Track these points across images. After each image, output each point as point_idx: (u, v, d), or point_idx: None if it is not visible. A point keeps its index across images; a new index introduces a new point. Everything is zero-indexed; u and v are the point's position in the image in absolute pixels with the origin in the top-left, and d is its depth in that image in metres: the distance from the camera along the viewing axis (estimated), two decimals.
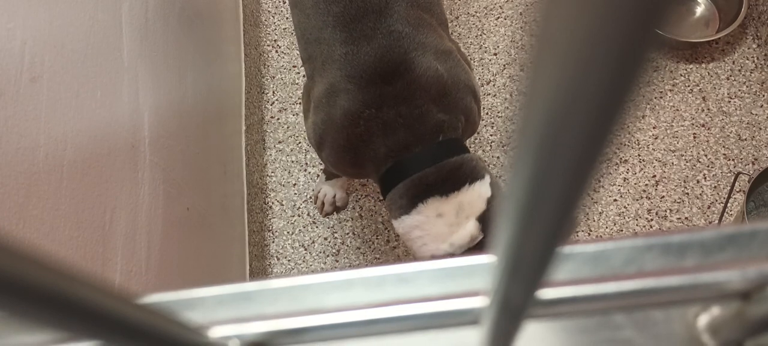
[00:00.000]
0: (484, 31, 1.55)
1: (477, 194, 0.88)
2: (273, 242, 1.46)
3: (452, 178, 0.88)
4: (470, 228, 0.87)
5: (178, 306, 0.27)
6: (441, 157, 0.89)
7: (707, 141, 1.42)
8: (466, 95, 0.96)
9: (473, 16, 1.57)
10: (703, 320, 0.25)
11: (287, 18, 1.63)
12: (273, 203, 1.48)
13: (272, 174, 1.51)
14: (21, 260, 0.13)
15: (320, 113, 0.96)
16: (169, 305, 0.27)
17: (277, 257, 1.44)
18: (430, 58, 0.92)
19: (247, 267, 1.35)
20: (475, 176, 0.89)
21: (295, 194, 1.48)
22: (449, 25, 1.55)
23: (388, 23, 0.92)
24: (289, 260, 1.44)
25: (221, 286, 0.28)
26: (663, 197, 1.39)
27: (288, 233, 1.45)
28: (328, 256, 1.42)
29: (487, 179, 0.91)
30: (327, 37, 0.95)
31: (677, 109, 1.45)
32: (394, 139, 0.90)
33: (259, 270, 1.40)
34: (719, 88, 1.46)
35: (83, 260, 0.78)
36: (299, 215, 1.46)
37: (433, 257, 0.88)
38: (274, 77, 1.58)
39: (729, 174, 1.39)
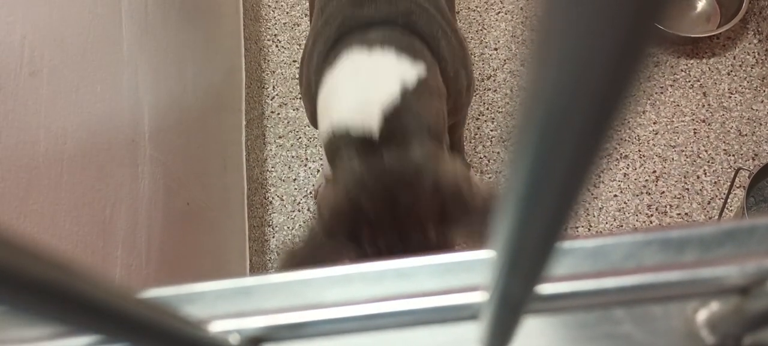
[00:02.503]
0: (485, 26, 1.55)
1: (398, 69, 0.80)
2: (273, 236, 1.46)
3: (387, 41, 0.82)
4: (379, 95, 0.79)
5: (178, 301, 0.27)
6: (397, 24, 0.83)
7: (708, 136, 1.42)
8: (467, 67, 0.92)
9: (474, 10, 1.57)
10: (702, 315, 0.26)
11: (288, 13, 1.62)
12: (273, 198, 1.48)
13: (272, 169, 1.51)
14: (21, 254, 0.13)
15: (309, 39, 0.92)
16: (170, 300, 0.27)
17: (277, 252, 1.44)
18: (438, 18, 0.87)
19: (248, 262, 1.35)
20: (409, 53, 0.81)
21: (296, 189, 1.48)
22: None
23: None
24: None
25: (221, 281, 0.28)
26: (663, 192, 1.39)
27: (288, 228, 1.45)
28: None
29: (421, 67, 0.82)
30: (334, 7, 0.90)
31: (678, 105, 1.45)
32: (360, 11, 0.84)
33: (260, 265, 1.40)
34: (720, 84, 1.46)
35: (84, 254, 0.78)
36: (299, 210, 1.46)
37: (339, 143, 0.81)
38: (274, 72, 1.58)
39: (729, 170, 1.39)
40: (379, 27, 0.83)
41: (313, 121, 0.93)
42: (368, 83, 0.80)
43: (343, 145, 0.80)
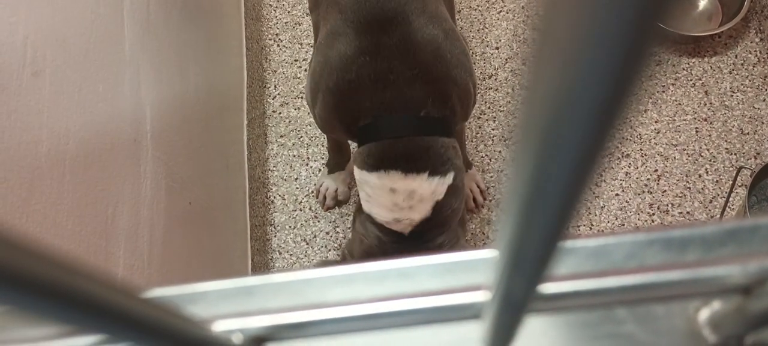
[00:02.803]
0: (486, 25, 1.55)
1: (430, 190, 0.91)
2: (275, 236, 1.46)
3: (418, 159, 0.91)
4: (413, 215, 0.92)
5: (181, 300, 0.27)
6: (417, 131, 0.91)
7: (709, 135, 1.42)
8: (462, 73, 0.95)
9: (475, 9, 1.57)
10: (704, 314, 0.26)
11: (289, 12, 1.63)
12: (275, 197, 1.49)
13: (274, 168, 1.51)
14: (25, 253, 0.13)
15: (318, 56, 0.97)
16: (173, 300, 0.27)
17: (279, 251, 1.45)
18: (427, 21, 0.93)
19: (249, 261, 1.35)
20: (437, 169, 0.92)
21: (297, 188, 1.48)
22: None
23: None
24: (291, 255, 1.44)
25: (224, 280, 0.28)
26: (665, 191, 1.39)
27: (290, 227, 1.46)
28: (330, 250, 1.42)
29: (449, 177, 0.93)
30: None
31: (679, 104, 1.45)
32: (381, 95, 0.91)
33: (261, 264, 1.41)
34: (722, 83, 1.46)
35: (86, 255, 0.78)
36: (301, 210, 1.46)
37: (370, 217, 0.96)
38: (275, 71, 1.58)
39: (731, 168, 1.39)
40: (409, 134, 0.91)
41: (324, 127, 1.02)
42: (404, 204, 0.92)
43: (373, 228, 0.95)
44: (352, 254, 1.03)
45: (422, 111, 0.91)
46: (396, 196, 0.91)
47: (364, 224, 0.97)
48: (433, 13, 0.95)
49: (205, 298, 0.28)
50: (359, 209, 1.00)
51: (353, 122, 0.94)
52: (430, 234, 0.94)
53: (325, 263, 1.06)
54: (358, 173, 0.95)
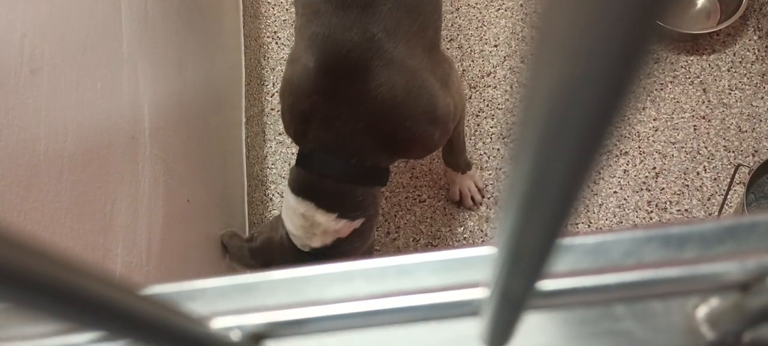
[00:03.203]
0: (485, 23, 1.55)
1: (335, 228, 1.01)
2: None
3: (333, 200, 1.00)
4: (313, 242, 1.03)
5: (179, 297, 0.27)
6: (343, 176, 0.99)
7: (708, 133, 1.42)
8: (420, 122, 0.98)
9: (474, 7, 1.57)
10: (702, 311, 0.26)
11: (287, 9, 1.62)
12: (273, 194, 1.48)
13: (272, 166, 1.51)
14: (23, 251, 0.13)
15: (287, 68, 1.02)
16: (171, 297, 0.27)
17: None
18: (391, 73, 0.93)
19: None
20: (347, 214, 1.01)
21: None
22: (450, 16, 1.55)
23: (367, 21, 0.92)
24: None
25: (222, 277, 0.28)
26: (663, 188, 1.39)
27: None
28: None
29: (358, 222, 1.03)
30: (314, 13, 0.96)
31: (678, 101, 1.45)
32: (322, 134, 0.97)
33: None
34: (720, 80, 1.46)
35: (84, 252, 0.78)
36: None
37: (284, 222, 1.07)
38: (274, 69, 1.58)
39: (729, 166, 1.39)
40: (334, 177, 0.99)
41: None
42: (309, 231, 1.02)
43: (283, 230, 1.07)
44: (260, 233, 1.15)
45: (354, 159, 0.98)
46: (304, 221, 1.01)
47: (282, 221, 1.07)
48: (401, 62, 0.94)
49: (203, 295, 0.28)
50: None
51: (299, 142, 1.03)
52: (326, 258, 1.03)
53: (233, 235, 1.19)
54: (286, 191, 1.05)
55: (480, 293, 0.26)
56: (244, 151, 1.41)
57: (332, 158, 0.98)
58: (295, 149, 1.49)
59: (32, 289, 0.13)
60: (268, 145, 1.52)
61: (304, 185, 1.01)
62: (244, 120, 1.43)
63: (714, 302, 0.25)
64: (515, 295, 0.18)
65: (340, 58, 0.93)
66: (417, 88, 0.96)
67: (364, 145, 0.97)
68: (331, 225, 1.00)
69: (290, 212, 1.03)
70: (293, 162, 1.40)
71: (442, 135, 1.04)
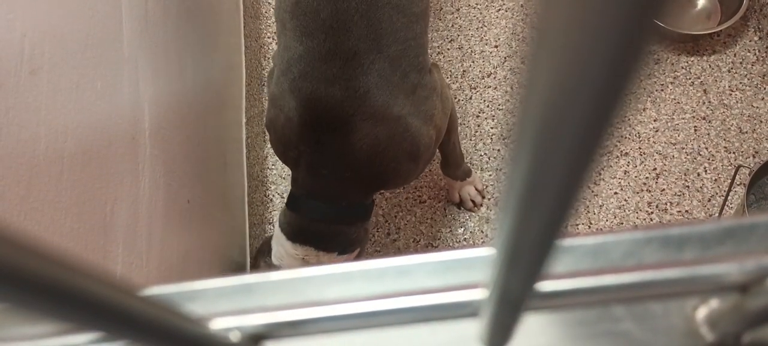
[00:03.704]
0: (485, 24, 1.55)
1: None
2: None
3: (330, 241, 1.04)
4: None
5: (179, 298, 0.27)
6: (335, 219, 1.03)
7: (708, 134, 1.42)
8: (403, 162, 1.01)
9: (474, 7, 1.57)
10: (702, 312, 0.26)
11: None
12: (273, 195, 1.48)
13: (273, 166, 1.51)
14: (23, 251, 0.13)
15: (271, 110, 1.04)
16: (171, 297, 0.27)
17: (263, 240, 1.44)
18: (374, 124, 0.95)
19: (248, 260, 1.35)
20: (346, 249, 1.05)
21: None
22: (451, 17, 1.55)
23: (349, 75, 0.93)
24: None
25: (222, 278, 0.28)
26: (663, 189, 1.39)
27: None
28: None
29: (355, 253, 1.07)
30: (295, 60, 0.97)
31: (678, 102, 1.45)
32: (311, 182, 1.01)
33: None
34: (720, 81, 1.46)
35: (84, 252, 0.78)
36: None
37: (266, 248, 1.10)
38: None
39: (730, 167, 1.39)
40: (326, 221, 1.03)
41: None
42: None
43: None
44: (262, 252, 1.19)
45: (344, 202, 1.02)
46: (307, 264, 1.04)
47: (264, 252, 1.13)
48: (383, 114, 0.95)
49: (203, 296, 0.28)
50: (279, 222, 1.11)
51: (292, 178, 1.06)
52: None
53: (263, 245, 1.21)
54: (278, 232, 1.08)
55: (479, 294, 0.26)
56: (245, 151, 1.41)
57: (322, 204, 1.02)
58: None
59: (31, 289, 0.13)
60: (269, 146, 1.52)
61: (299, 231, 1.04)
62: (244, 120, 1.43)
63: (713, 303, 0.25)
64: (514, 296, 0.18)
65: (323, 114, 0.95)
66: (399, 134, 0.98)
67: (351, 190, 1.01)
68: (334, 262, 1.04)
69: (289, 259, 1.06)
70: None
71: (423, 165, 1.07)
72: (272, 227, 1.46)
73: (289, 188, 1.47)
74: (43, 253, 0.13)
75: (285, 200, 1.47)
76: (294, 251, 1.04)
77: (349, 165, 0.98)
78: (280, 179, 1.49)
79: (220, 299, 0.28)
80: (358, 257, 1.10)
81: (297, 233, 1.04)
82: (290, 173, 1.48)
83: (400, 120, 0.98)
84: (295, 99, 0.97)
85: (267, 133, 1.52)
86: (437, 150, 1.16)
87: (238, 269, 1.32)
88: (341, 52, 0.93)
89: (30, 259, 0.13)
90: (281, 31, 1.02)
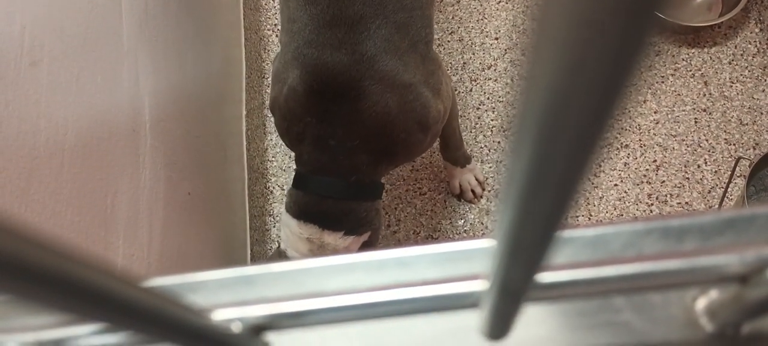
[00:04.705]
0: (486, 16, 1.54)
1: (344, 245, 1.00)
2: (274, 226, 1.46)
3: (337, 219, 0.98)
4: None
5: (181, 289, 0.28)
6: (343, 195, 0.98)
7: (708, 126, 1.42)
8: (413, 132, 0.97)
9: (474, 0, 1.56)
10: (702, 303, 0.26)
11: None
12: (274, 187, 1.49)
13: (273, 159, 1.51)
14: (25, 242, 0.13)
15: (274, 88, 1.00)
16: (173, 289, 0.28)
17: (278, 241, 1.45)
18: (384, 89, 0.92)
19: (248, 251, 1.36)
20: (353, 228, 0.99)
21: None
22: (451, 9, 1.55)
23: (355, 40, 0.91)
24: None
25: (223, 270, 0.28)
26: (664, 181, 1.39)
27: None
28: None
29: (364, 236, 1.01)
30: (297, 30, 0.94)
31: (679, 94, 1.45)
32: (318, 155, 0.96)
33: (261, 255, 1.41)
34: (721, 73, 1.46)
35: (85, 244, 0.78)
36: None
37: (282, 252, 1.05)
38: (274, 62, 1.58)
39: (730, 159, 1.39)
40: (334, 197, 0.98)
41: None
42: (317, 253, 0.99)
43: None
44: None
45: (353, 177, 0.97)
46: (311, 245, 0.99)
47: (282, 253, 1.06)
48: (394, 78, 0.93)
49: (204, 287, 0.28)
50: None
51: (296, 159, 1.02)
52: None
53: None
54: (283, 213, 1.03)
55: (479, 286, 0.26)
56: (245, 143, 1.41)
57: (330, 179, 0.97)
58: None
59: (33, 280, 0.13)
60: (269, 138, 1.52)
61: (305, 208, 0.99)
62: (244, 113, 1.43)
63: (713, 294, 0.25)
64: (515, 287, 0.18)
65: (329, 80, 0.92)
66: (410, 102, 0.95)
67: (360, 163, 0.97)
68: (339, 243, 0.99)
69: (294, 238, 1.01)
70: (293, 155, 1.40)
71: (431, 139, 1.04)
72: (272, 219, 1.46)
73: (289, 180, 1.47)
74: (45, 243, 0.13)
75: (285, 193, 1.47)
76: (298, 229, 0.99)
77: (358, 134, 0.94)
78: (280, 170, 1.49)
79: (221, 291, 0.28)
80: (371, 239, 1.04)
81: (302, 211, 0.99)
82: (291, 164, 1.48)
83: (411, 88, 0.95)
84: (299, 67, 0.94)
85: (266, 126, 1.52)
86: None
87: (239, 260, 1.32)
88: (346, 17, 0.91)
89: (31, 249, 0.13)
90: (284, 5, 1.00)
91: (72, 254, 0.14)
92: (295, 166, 1.04)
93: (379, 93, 0.92)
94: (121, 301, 0.16)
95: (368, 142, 0.95)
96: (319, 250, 0.99)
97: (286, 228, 1.02)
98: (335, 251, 0.99)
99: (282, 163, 1.50)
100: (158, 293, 0.19)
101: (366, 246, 1.04)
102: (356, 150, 0.95)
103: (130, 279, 0.17)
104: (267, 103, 1.55)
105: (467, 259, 0.27)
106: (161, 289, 0.23)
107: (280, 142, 1.50)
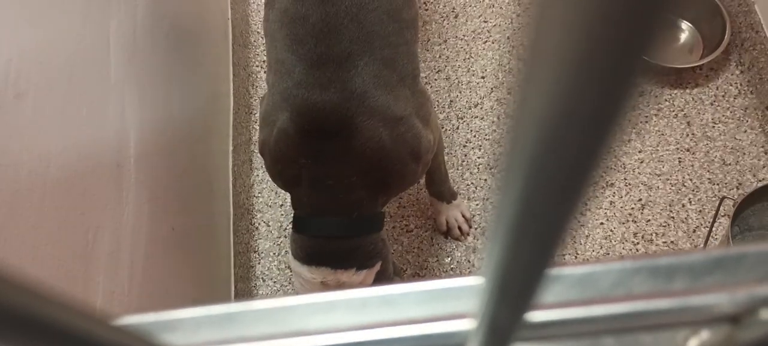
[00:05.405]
0: (472, 55, 1.56)
1: (359, 280, 0.98)
2: (259, 263, 1.44)
3: (347, 257, 0.97)
4: None
5: (156, 328, 0.27)
6: (347, 232, 0.97)
7: (692, 165, 1.43)
8: (407, 163, 0.98)
9: (461, 39, 1.58)
10: (693, 343, 0.25)
11: None
12: (259, 223, 1.47)
13: (259, 195, 1.50)
14: None
15: (264, 131, 1.00)
16: (149, 327, 0.27)
17: (262, 278, 1.43)
18: (376, 124, 0.92)
19: (233, 288, 1.34)
20: (365, 263, 0.98)
21: (282, 214, 1.47)
22: (438, 48, 1.57)
23: (345, 77, 0.91)
24: (275, 282, 1.42)
25: (202, 307, 0.27)
26: (649, 220, 1.40)
27: (274, 254, 1.44)
28: None
29: (376, 267, 1.00)
30: (286, 71, 0.95)
31: (662, 134, 1.47)
32: (317, 197, 0.96)
33: (245, 292, 1.39)
34: (703, 113, 1.48)
35: (64, 280, 0.76)
36: (285, 236, 1.45)
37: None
38: (262, 97, 1.58)
39: (714, 198, 1.40)
40: (340, 236, 0.97)
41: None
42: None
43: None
44: None
45: (355, 213, 0.96)
46: (327, 287, 0.98)
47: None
48: (385, 112, 0.93)
49: (182, 325, 0.27)
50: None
51: (294, 203, 1.01)
52: None
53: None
54: (292, 262, 1.01)
55: (467, 325, 0.26)
56: (231, 179, 1.40)
57: (332, 219, 0.96)
58: None
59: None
60: (255, 174, 1.51)
61: (312, 252, 0.98)
62: (231, 149, 1.43)
63: (704, 334, 0.25)
64: (503, 326, 0.18)
65: (321, 120, 0.91)
66: (402, 134, 0.95)
67: (360, 198, 0.96)
68: (354, 279, 0.98)
69: (307, 285, 0.99)
70: (280, 191, 1.38)
71: (423, 169, 1.04)
72: (257, 255, 1.44)
73: (275, 216, 1.46)
74: (10, 280, 0.13)
75: (269, 227, 1.45)
76: (310, 275, 0.97)
77: (354, 170, 0.93)
78: (266, 206, 1.48)
79: (200, 329, 0.27)
80: (383, 268, 1.03)
81: (310, 256, 0.97)
82: (277, 201, 1.47)
83: (403, 120, 0.96)
84: (289, 109, 0.93)
85: (253, 162, 1.52)
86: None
87: (223, 297, 1.30)
88: (334, 56, 0.91)
89: None
90: (271, 46, 1.00)
91: (37, 289, 0.13)
92: (292, 210, 1.03)
93: (373, 128, 0.92)
94: (89, 341, 0.15)
95: (365, 177, 0.94)
96: (337, 289, 0.99)
97: (298, 277, 1.01)
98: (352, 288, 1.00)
99: (268, 200, 1.49)
100: (132, 332, 0.18)
101: (380, 275, 1.02)
102: (354, 186, 0.95)
103: (101, 317, 0.16)
104: (254, 138, 1.54)
105: (454, 297, 0.27)
106: (136, 327, 0.22)
107: (267, 178, 1.49)
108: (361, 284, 0.99)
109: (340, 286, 0.98)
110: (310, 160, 0.94)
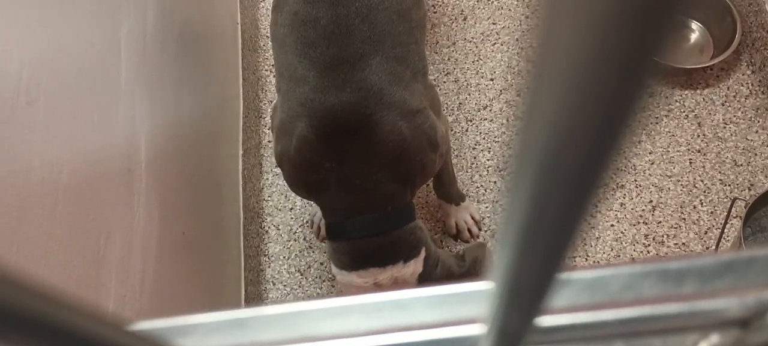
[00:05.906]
0: (481, 57, 1.56)
1: (410, 272, 0.98)
2: (269, 266, 1.45)
3: (392, 252, 0.96)
4: None
5: (170, 333, 0.27)
6: (386, 227, 0.96)
7: (703, 166, 1.43)
8: (427, 153, 0.98)
9: (470, 41, 1.58)
10: None
11: None
12: (269, 227, 1.48)
13: (269, 198, 1.50)
14: (7, 284, 0.13)
15: (282, 141, 0.99)
16: (162, 332, 0.27)
17: (272, 282, 1.43)
18: (395, 118, 0.93)
19: (243, 292, 1.34)
20: (410, 253, 0.97)
21: (292, 218, 1.47)
22: (447, 50, 1.57)
23: (359, 77, 0.92)
24: (285, 285, 1.43)
25: (215, 312, 0.27)
26: (660, 222, 1.39)
27: (284, 257, 1.44)
28: (324, 281, 1.41)
29: (422, 254, 0.99)
30: (299, 77, 0.95)
31: (673, 135, 1.46)
32: (348, 199, 0.95)
33: (255, 295, 1.39)
34: (714, 114, 1.47)
35: (76, 286, 0.77)
36: (295, 240, 1.45)
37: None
38: (271, 102, 1.59)
39: (725, 200, 1.39)
40: (379, 233, 0.96)
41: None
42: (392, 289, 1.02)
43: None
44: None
45: (389, 206, 0.96)
46: (382, 287, 0.97)
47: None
48: (402, 106, 0.94)
49: (194, 330, 0.27)
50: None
51: (327, 213, 1.00)
52: None
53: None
54: (339, 274, 1.00)
55: (477, 329, 0.26)
56: (241, 183, 1.41)
57: (368, 216, 0.95)
58: None
59: (16, 324, 0.13)
60: (265, 177, 1.52)
61: (357, 257, 0.97)
62: (241, 153, 1.43)
63: (714, 338, 0.25)
64: (513, 331, 0.18)
65: (340, 121, 0.92)
66: (420, 125, 0.96)
67: (390, 191, 0.96)
68: (405, 272, 0.97)
69: (359, 291, 0.98)
70: (289, 195, 1.38)
71: (439, 159, 1.05)
72: (267, 259, 1.45)
73: (285, 219, 1.47)
74: (29, 286, 0.13)
75: (279, 231, 1.46)
76: (361, 279, 0.96)
77: (380, 166, 0.93)
78: (276, 210, 1.49)
79: (212, 334, 0.27)
80: (428, 254, 1.01)
81: (356, 260, 0.97)
82: (287, 204, 1.48)
83: (420, 113, 0.96)
84: (307, 116, 0.93)
85: (263, 166, 1.52)
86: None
87: (234, 301, 1.30)
88: (346, 57, 0.92)
89: (14, 292, 0.13)
90: (280, 52, 1.00)
91: (55, 295, 0.13)
92: (304, 216, 1.02)
93: (392, 122, 0.93)
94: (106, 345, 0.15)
95: (390, 171, 0.95)
96: (392, 286, 0.98)
97: (351, 287, 0.99)
98: (406, 282, 0.98)
99: (278, 203, 1.49)
100: (146, 337, 0.18)
101: (428, 262, 1.01)
102: (382, 181, 0.95)
103: (117, 322, 0.16)
104: (264, 142, 1.55)
105: (465, 302, 0.27)
106: (150, 333, 0.22)
107: (277, 181, 1.50)
108: (412, 275, 0.98)
109: (395, 281, 0.96)
110: (335, 163, 0.93)
